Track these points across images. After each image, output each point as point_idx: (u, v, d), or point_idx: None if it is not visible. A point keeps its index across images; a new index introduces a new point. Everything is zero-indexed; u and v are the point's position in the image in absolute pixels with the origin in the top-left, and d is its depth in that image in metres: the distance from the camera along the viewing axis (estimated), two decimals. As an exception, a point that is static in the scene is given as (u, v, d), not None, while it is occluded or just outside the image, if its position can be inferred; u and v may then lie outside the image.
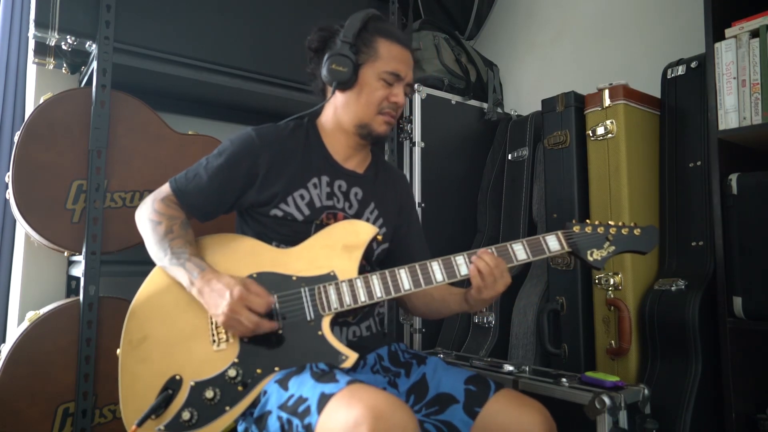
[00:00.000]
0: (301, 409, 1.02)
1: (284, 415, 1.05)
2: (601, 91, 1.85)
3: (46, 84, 1.92)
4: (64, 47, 1.66)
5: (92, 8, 1.68)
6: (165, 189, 1.30)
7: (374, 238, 1.29)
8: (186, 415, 1.11)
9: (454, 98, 2.40)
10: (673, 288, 1.66)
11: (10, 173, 1.61)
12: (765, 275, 1.44)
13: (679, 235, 1.77)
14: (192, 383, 1.13)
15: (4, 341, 1.92)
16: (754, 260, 1.47)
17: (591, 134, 1.85)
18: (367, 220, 1.36)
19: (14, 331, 1.75)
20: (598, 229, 1.29)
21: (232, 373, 1.14)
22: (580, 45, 2.54)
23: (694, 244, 1.72)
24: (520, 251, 1.26)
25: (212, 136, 1.93)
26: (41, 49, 1.72)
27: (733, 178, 1.51)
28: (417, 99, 2.25)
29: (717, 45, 1.55)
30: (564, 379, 1.48)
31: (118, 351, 1.18)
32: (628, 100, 1.81)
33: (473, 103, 2.48)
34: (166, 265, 1.20)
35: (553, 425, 1.16)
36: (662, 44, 2.19)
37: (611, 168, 1.79)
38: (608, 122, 1.81)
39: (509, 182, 2.29)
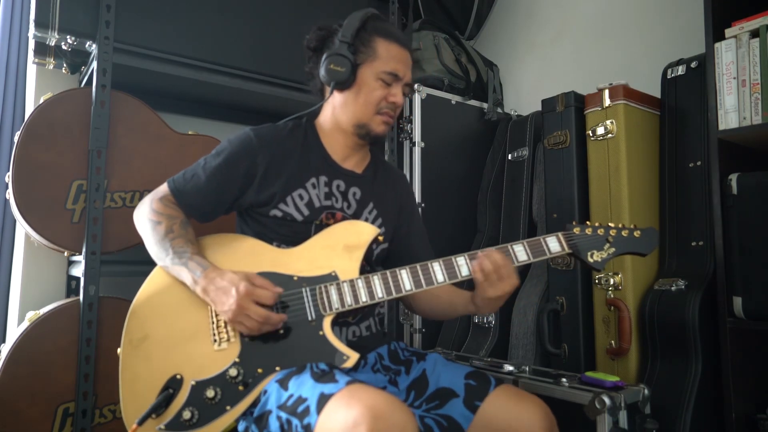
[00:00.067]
0: (300, 409, 1.02)
1: (284, 415, 1.05)
2: (601, 91, 1.85)
3: (46, 84, 1.92)
4: (64, 47, 1.66)
5: (92, 8, 1.68)
6: (163, 189, 1.30)
7: (375, 239, 1.29)
8: (187, 415, 1.11)
9: (454, 98, 2.40)
10: (673, 288, 1.66)
11: (10, 173, 1.61)
12: (765, 275, 1.44)
13: (679, 235, 1.77)
14: (193, 382, 1.13)
15: (4, 341, 1.92)
16: (754, 260, 1.47)
17: (591, 134, 1.85)
18: (366, 219, 1.36)
19: (14, 331, 1.75)
20: (599, 231, 1.29)
21: (233, 372, 1.14)
22: (580, 45, 2.54)
23: (694, 244, 1.72)
24: (521, 252, 1.26)
25: (212, 136, 1.93)
26: (41, 49, 1.72)
27: (733, 178, 1.51)
28: (417, 99, 2.25)
29: (717, 45, 1.55)
30: (564, 379, 1.48)
31: (119, 350, 1.18)
32: (628, 100, 1.81)
33: (473, 103, 2.48)
34: (168, 265, 1.20)
35: (553, 420, 1.17)
36: (662, 44, 2.19)
37: (611, 168, 1.79)
38: (608, 122, 1.81)
39: (509, 182, 2.29)
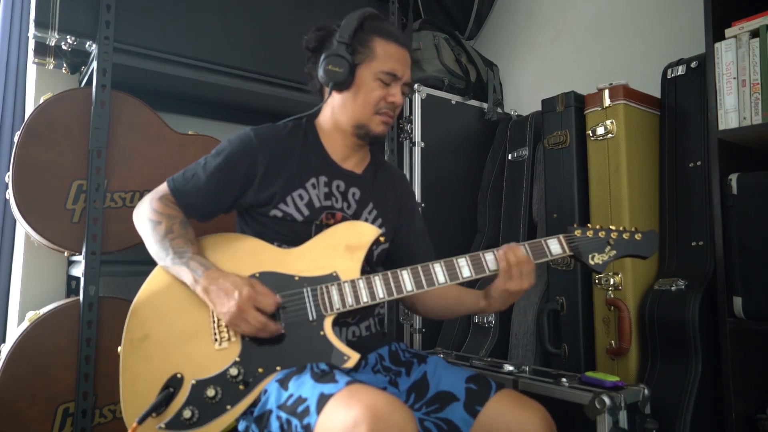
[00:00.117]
0: (300, 409, 1.02)
1: (283, 415, 1.05)
2: (601, 91, 1.85)
3: (46, 84, 1.92)
4: (64, 47, 1.66)
5: (92, 8, 1.68)
6: (163, 188, 1.30)
7: (375, 240, 1.29)
8: (187, 414, 1.11)
9: (454, 98, 2.40)
10: (673, 288, 1.66)
11: (10, 173, 1.61)
12: (765, 275, 1.44)
13: (679, 235, 1.77)
14: (193, 382, 1.13)
15: (4, 341, 1.92)
16: (754, 260, 1.47)
17: (591, 134, 1.86)
18: (366, 220, 1.36)
19: (14, 331, 1.75)
20: (600, 234, 1.29)
21: (233, 371, 1.14)
22: (580, 45, 2.54)
23: (694, 244, 1.73)
24: (522, 254, 1.26)
25: (212, 136, 1.93)
26: (41, 49, 1.72)
27: (733, 178, 1.52)
28: (417, 99, 2.25)
29: (717, 45, 1.55)
30: (564, 379, 1.48)
31: (120, 349, 1.18)
32: (628, 100, 1.81)
33: (473, 103, 2.48)
34: (168, 265, 1.20)
35: (553, 426, 1.16)
36: (662, 44, 2.19)
37: (611, 168, 1.79)
38: (608, 122, 1.81)
39: (509, 182, 2.30)
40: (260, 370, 1.14)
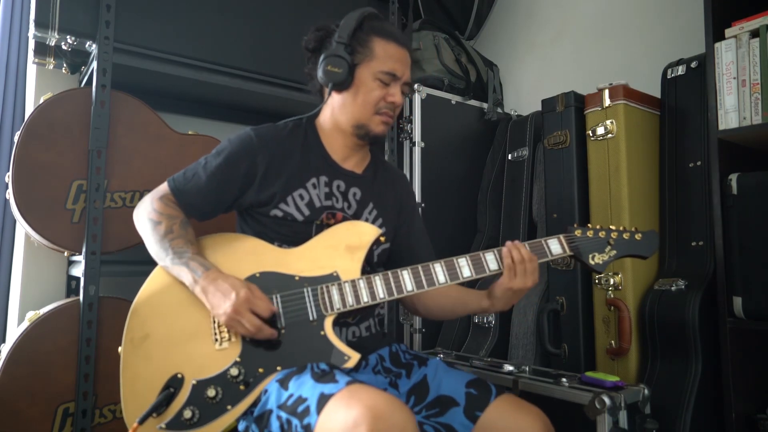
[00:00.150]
0: (300, 409, 1.02)
1: (284, 415, 1.05)
2: (601, 91, 1.85)
3: (46, 84, 1.91)
4: (64, 47, 1.66)
5: (92, 8, 1.68)
6: (163, 188, 1.30)
7: (375, 240, 1.29)
8: (187, 414, 1.11)
9: (454, 98, 2.40)
10: (673, 288, 1.66)
11: (10, 173, 1.61)
12: (765, 275, 1.45)
13: (679, 235, 1.77)
14: (194, 382, 1.13)
15: (4, 341, 1.92)
16: (754, 260, 1.47)
17: (591, 134, 1.86)
18: (366, 220, 1.36)
19: (14, 331, 1.75)
20: (600, 234, 1.29)
21: (234, 372, 1.14)
22: (580, 45, 2.54)
23: (694, 244, 1.73)
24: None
25: (212, 136, 1.93)
26: (41, 49, 1.72)
27: (733, 178, 1.52)
28: (417, 99, 2.25)
29: (717, 45, 1.55)
30: (564, 379, 1.48)
31: (120, 349, 1.18)
32: (628, 100, 1.81)
33: (473, 103, 2.48)
34: (168, 265, 1.20)
35: (553, 431, 1.17)
36: (662, 44, 2.19)
37: (611, 168, 1.79)
38: (608, 122, 1.81)
39: (509, 182, 2.30)
40: (261, 370, 1.14)
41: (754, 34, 1.50)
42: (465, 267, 1.24)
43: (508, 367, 1.61)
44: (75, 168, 1.67)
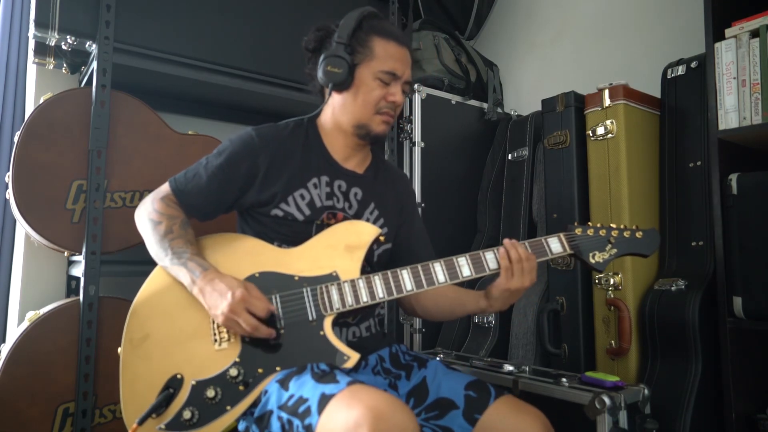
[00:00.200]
0: (301, 409, 1.02)
1: (285, 416, 1.05)
2: (601, 91, 1.85)
3: (46, 84, 1.91)
4: (64, 47, 1.66)
5: (92, 8, 1.68)
6: (164, 188, 1.30)
7: (376, 239, 1.29)
8: (187, 414, 1.11)
9: (454, 98, 2.40)
10: (673, 288, 1.66)
11: (10, 173, 1.61)
12: (765, 275, 1.44)
13: (679, 235, 1.77)
14: (193, 382, 1.13)
15: (4, 341, 1.92)
16: (754, 260, 1.47)
17: (591, 134, 1.86)
18: (367, 220, 1.36)
19: (14, 331, 1.75)
20: (600, 232, 1.29)
21: (233, 372, 1.14)
22: (580, 45, 2.54)
23: (694, 244, 1.73)
24: (522, 252, 1.26)
25: (212, 136, 1.93)
26: (41, 49, 1.72)
27: (733, 178, 1.52)
28: (417, 99, 2.25)
29: (717, 45, 1.55)
30: (564, 379, 1.48)
31: (119, 350, 1.18)
32: (628, 100, 1.81)
33: (473, 103, 2.48)
34: (167, 265, 1.20)
35: None
36: (662, 44, 2.19)
37: (611, 168, 1.79)
38: (608, 122, 1.81)
39: (509, 182, 2.30)
40: (260, 370, 1.14)
41: (754, 34, 1.50)
42: (465, 266, 1.24)
43: (508, 367, 1.61)
44: (75, 168, 1.67)
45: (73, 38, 1.66)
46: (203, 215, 1.31)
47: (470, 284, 2.02)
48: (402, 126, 2.26)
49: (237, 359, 1.15)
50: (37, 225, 1.63)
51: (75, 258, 1.82)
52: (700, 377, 1.58)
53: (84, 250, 1.63)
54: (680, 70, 1.84)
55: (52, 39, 1.64)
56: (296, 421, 1.01)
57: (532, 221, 2.18)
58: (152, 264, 1.25)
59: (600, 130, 1.83)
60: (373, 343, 1.33)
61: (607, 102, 1.82)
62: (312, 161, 1.33)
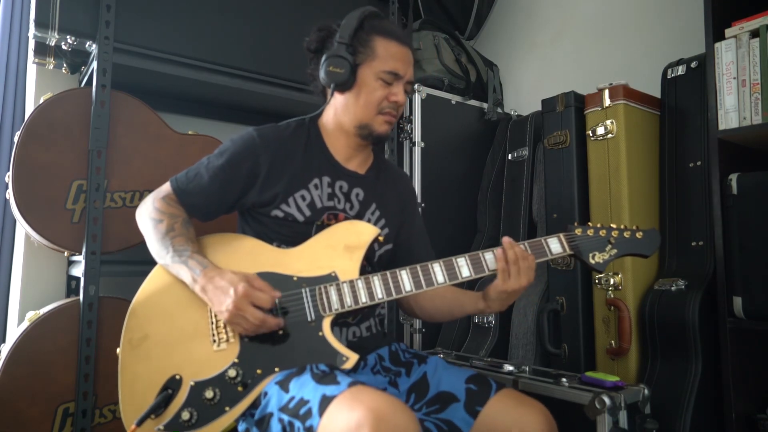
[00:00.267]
0: (302, 411, 1.02)
1: (285, 418, 1.04)
2: (601, 91, 1.84)
3: (46, 84, 1.92)
4: (64, 47, 1.66)
5: (92, 8, 1.68)
6: (166, 188, 1.30)
7: (375, 239, 1.28)
8: (186, 415, 1.11)
9: (454, 98, 2.40)
10: (673, 288, 1.66)
11: (10, 173, 1.61)
12: (765, 275, 1.44)
13: (679, 235, 1.77)
14: (192, 383, 1.13)
15: (4, 341, 1.92)
16: (754, 260, 1.47)
17: (591, 134, 1.85)
18: (369, 221, 1.36)
19: (14, 331, 1.75)
20: (600, 232, 1.28)
21: (232, 373, 1.13)
22: (580, 45, 2.54)
23: (694, 244, 1.72)
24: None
25: (212, 136, 1.93)
26: (41, 49, 1.72)
27: (733, 178, 1.51)
28: (417, 99, 2.25)
29: (717, 45, 1.55)
30: (564, 379, 1.48)
31: (118, 350, 1.17)
32: (628, 100, 1.81)
33: (473, 103, 2.48)
34: (168, 263, 1.20)
35: (554, 426, 1.16)
36: (662, 44, 2.19)
37: (611, 168, 1.79)
38: (608, 122, 1.81)
39: (509, 182, 2.29)
40: (259, 371, 1.14)
41: (754, 34, 1.50)
42: (464, 267, 1.24)
43: (508, 367, 1.61)
44: (75, 168, 1.67)
45: (73, 38, 1.66)
46: (204, 215, 1.31)
47: (470, 285, 2.02)
48: (402, 126, 2.26)
49: (236, 360, 1.15)
50: (37, 225, 1.63)
51: (75, 258, 1.83)
52: (700, 377, 1.58)
53: (84, 250, 1.63)
54: (680, 70, 1.84)
55: (52, 39, 1.64)
56: (297, 423, 1.01)
57: (532, 221, 2.18)
58: (152, 264, 1.25)
59: (600, 130, 1.83)
60: (373, 343, 1.33)
61: (607, 102, 1.82)
62: (313, 162, 1.33)
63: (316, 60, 1.35)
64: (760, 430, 1.49)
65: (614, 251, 1.28)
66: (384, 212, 1.39)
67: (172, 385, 1.13)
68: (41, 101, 1.66)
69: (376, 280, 1.21)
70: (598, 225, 1.30)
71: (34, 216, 1.62)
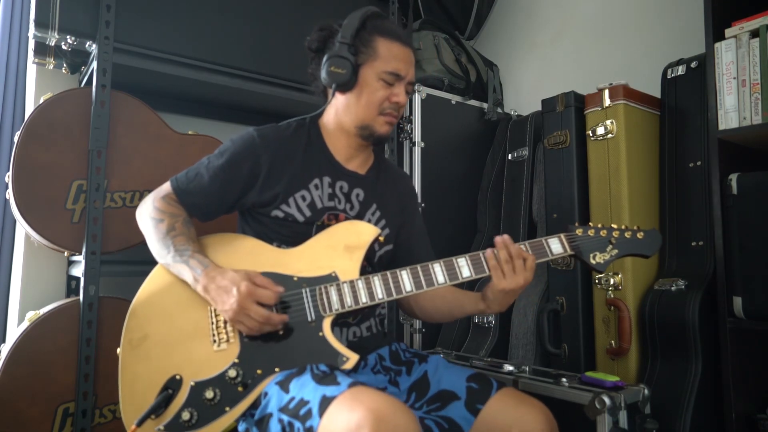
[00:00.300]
0: (302, 411, 1.02)
1: (285, 418, 1.04)
2: (601, 91, 1.84)
3: (46, 84, 1.91)
4: (64, 47, 1.66)
5: (92, 8, 1.68)
6: (165, 188, 1.30)
7: (376, 239, 1.28)
8: (186, 415, 1.11)
9: (454, 98, 2.40)
10: (673, 288, 1.66)
11: (10, 173, 1.61)
12: (765, 275, 1.44)
13: (679, 235, 1.77)
14: (192, 383, 1.13)
15: (4, 341, 1.92)
16: (754, 260, 1.46)
17: (591, 134, 1.85)
18: (369, 221, 1.35)
19: (14, 331, 1.75)
20: (601, 232, 1.28)
21: (232, 373, 1.13)
22: (580, 45, 2.54)
23: (694, 244, 1.72)
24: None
25: (212, 136, 1.93)
26: (41, 49, 1.72)
27: (733, 178, 1.51)
28: (417, 99, 2.25)
29: (717, 45, 1.55)
30: (564, 379, 1.48)
31: (118, 350, 1.18)
32: (628, 100, 1.81)
33: (473, 103, 2.48)
34: (169, 263, 1.20)
35: (555, 425, 1.16)
36: (662, 44, 2.19)
37: (611, 168, 1.79)
38: (608, 122, 1.81)
39: (509, 182, 2.29)
40: (259, 371, 1.14)
41: (754, 34, 1.50)
42: (464, 267, 1.24)
43: (508, 367, 1.61)
44: (75, 168, 1.67)
45: (73, 38, 1.66)
46: (204, 215, 1.31)
47: (471, 285, 2.02)
48: (402, 126, 2.26)
49: (236, 360, 1.15)
50: (37, 225, 1.63)
51: (75, 258, 1.83)
52: (700, 377, 1.58)
53: (84, 250, 1.63)
54: (680, 70, 1.84)
55: (52, 39, 1.64)
56: (297, 424, 1.01)
57: (532, 221, 2.18)
58: (152, 264, 1.24)
59: (600, 130, 1.83)
60: (373, 343, 1.33)
61: (607, 102, 1.82)
62: (314, 162, 1.33)
63: (317, 60, 1.34)
64: (760, 430, 1.49)
65: (615, 251, 1.27)
66: (384, 213, 1.39)
67: (173, 385, 1.13)
68: (41, 101, 1.66)
69: (377, 281, 1.21)
70: (599, 225, 1.29)
71: (34, 216, 1.62)
